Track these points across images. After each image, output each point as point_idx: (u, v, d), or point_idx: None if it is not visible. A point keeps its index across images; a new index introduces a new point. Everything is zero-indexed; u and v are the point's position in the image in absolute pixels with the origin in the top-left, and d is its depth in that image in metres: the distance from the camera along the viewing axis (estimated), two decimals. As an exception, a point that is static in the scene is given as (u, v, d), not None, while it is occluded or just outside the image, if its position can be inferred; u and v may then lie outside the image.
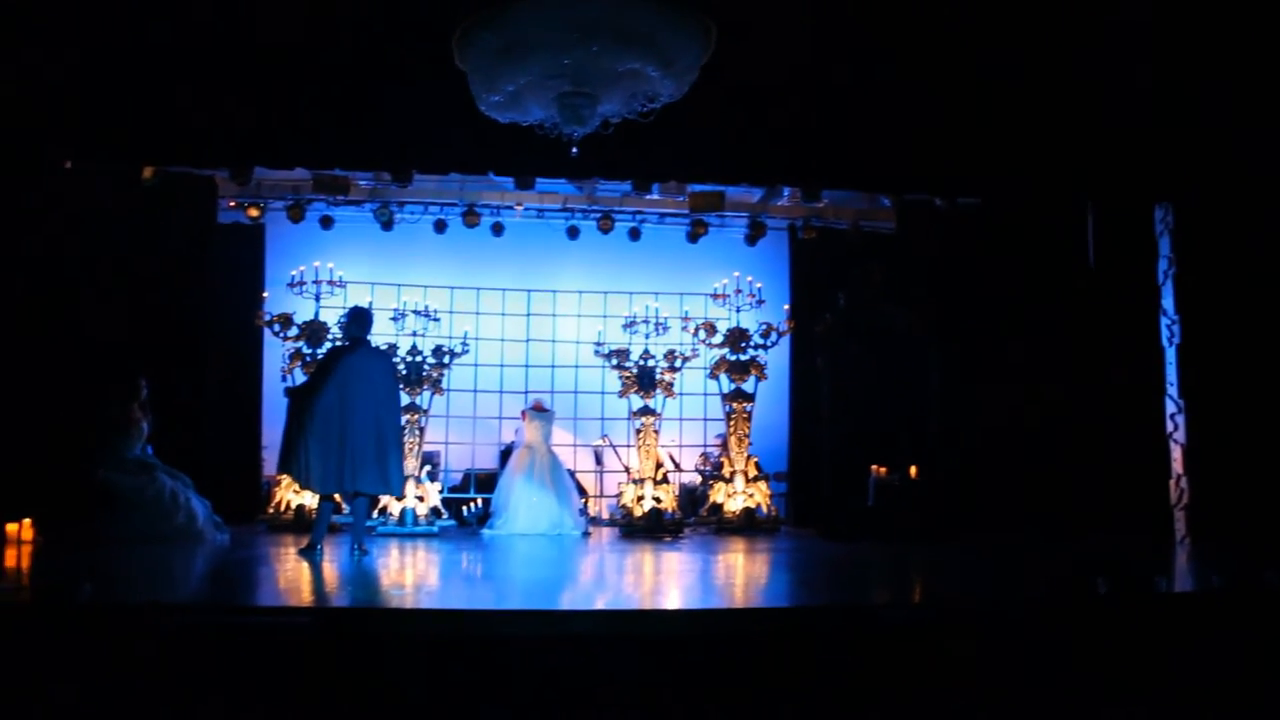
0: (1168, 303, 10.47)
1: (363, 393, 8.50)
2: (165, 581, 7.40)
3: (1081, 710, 5.39)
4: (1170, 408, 10.40)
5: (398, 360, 11.39)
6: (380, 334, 10.99)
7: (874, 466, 11.17)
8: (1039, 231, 11.60)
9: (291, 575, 7.37)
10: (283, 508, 11.35)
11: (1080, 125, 9.70)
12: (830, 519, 11.36)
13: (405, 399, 11.31)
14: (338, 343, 11.06)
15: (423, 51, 8.30)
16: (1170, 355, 10.43)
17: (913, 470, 11.11)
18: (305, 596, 6.43)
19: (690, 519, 12.40)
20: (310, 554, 8.34)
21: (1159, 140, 9.82)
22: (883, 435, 11.40)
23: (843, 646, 5.46)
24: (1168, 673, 5.54)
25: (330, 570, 7.60)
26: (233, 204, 12.60)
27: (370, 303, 12.02)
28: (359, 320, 8.99)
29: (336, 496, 9.08)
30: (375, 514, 10.96)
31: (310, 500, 11.00)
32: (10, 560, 7.93)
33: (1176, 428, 10.35)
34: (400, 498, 10.93)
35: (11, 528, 9.12)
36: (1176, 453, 10.36)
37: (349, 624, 5.54)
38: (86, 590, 6.01)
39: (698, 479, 13.58)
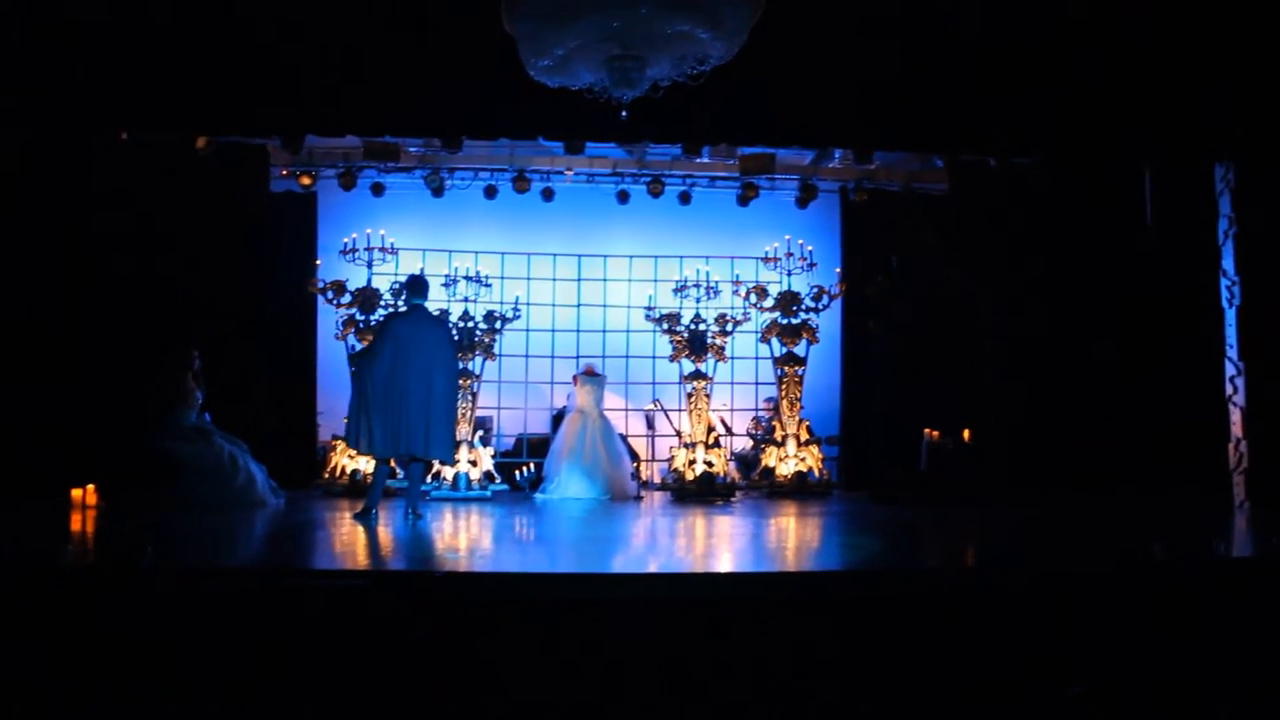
0: (1228, 263, 10.25)
1: (417, 358, 8.58)
2: (225, 546, 7.51)
3: (1136, 674, 5.35)
4: (1229, 370, 10.21)
5: (451, 326, 11.40)
6: (433, 300, 11.01)
7: (927, 429, 11.11)
8: (1095, 191, 11.43)
9: (347, 539, 7.46)
10: (338, 473, 11.47)
11: (1138, 81, 9.52)
12: (882, 482, 11.34)
13: (458, 364, 11.37)
14: (392, 309, 11.20)
15: (471, 17, 8.27)
16: (1230, 317, 10.22)
17: (966, 433, 11.04)
18: (361, 560, 6.50)
19: (742, 483, 12.39)
20: (365, 518, 8.45)
21: (1220, 96, 9.60)
22: (935, 398, 11.31)
23: (895, 610, 5.45)
24: (1224, 639, 5.48)
25: (385, 534, 7.68)
26: (285, 172, 12.70)
27: (422, 269, 12.13)
28: (415, 287, 9.11)
29: (392, 461, 9.15)
30: (428, 479, 11.06)
31: (365, 465, 11.15)
32: (76, 526, 8.07)
33: (1236, 390, 10.17)
34: (453, 464, 11.01)
35: (76, 494, 9.29)
36: (1235, 416, 10.17)
37: (405, 587, 5.61)
38: (149, 555, 6.13)
39: (749, 443, 13.56)
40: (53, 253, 10.07)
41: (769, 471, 12.16)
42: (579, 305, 13.99)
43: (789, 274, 12.55)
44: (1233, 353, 10.20)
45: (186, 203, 11.22)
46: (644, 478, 12.91)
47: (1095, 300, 11.34)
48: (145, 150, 10.67)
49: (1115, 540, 7.67)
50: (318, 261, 12.37)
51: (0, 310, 9.72)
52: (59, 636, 5.08)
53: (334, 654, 5.11)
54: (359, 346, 11.66)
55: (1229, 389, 10.26)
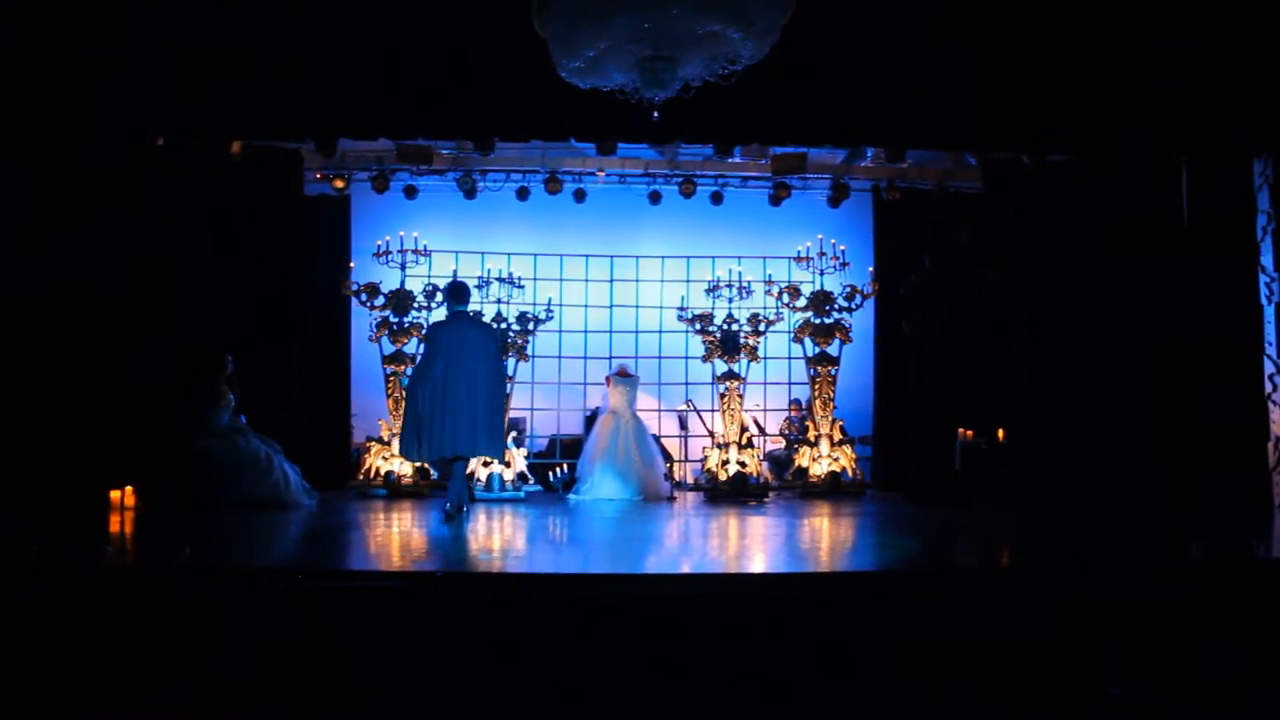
0: (1267, 260, 10.12)
1: (464, 364, 8.77)
2: (261, 546, 7.56)
3: (1176, 676, 5.30)
4: (1269, 368, 10.10)
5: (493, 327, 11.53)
6: (466, 302, 11.17)
7: (960, 429, 11.03)
8: (1130, 188, 11.32)
9: (381, 540, 7.49)
10: (372, 474, 11.54)
11: (1173, 76, 9.42)
12: (916, 482, 11.28)
13: (504, 365, 11.41)
14: (431, 312, 11.59)
15: (502, 19, 8.29)
16: (1269, 314, 10.09)
17: (1000, 433, 10.96)
18: (395, 561, 6.52)
19: (775, 483, 12.37)
20: (458, 516, 8.68)
21: (1258, 90, 9.48)
22: (969, 398, 11.23)
23: (930, 610, 5.43)
24: (1266, 641, 5.42)
25: (419, 536, 7.70)
26: (319, 176, 12.79)
27: (455, 271, 12.17)
28: (456, 294, 9.25)
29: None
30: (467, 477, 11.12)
31: (399, 467, 11.26)
32: (114, 526, 8.14)
33: (1275, 388, 10.06)
34: (503, 460, 11.12)
35: (115, 495, 9.38)
36: (1275, 414, 10.06)
37: (440, 588, 5.62)
38: (186, 555, 6.19)
39: (782, 443, 13.53)
40: (89, 258, 10.17)
41: (802, 472, 12.14)
42: (611, 306, 14.01)
43: (821, 274, 12.52)
44: (1272, 350, 10.08)
45: (220, 207, 11.31)
46: (677, 478, 12.91)
47: (1131, 298, 11.23)
48: (180, 155, 10.77)
49: (1154, 540, 7.60)
50: (351, 264, 12.45)
51: (39, 316, 9.86)
52: (100, 636, 5.13)
53: (367, 655, 5.13)
54: (393, 349, 11.75)
55: (1268, 387, 10.14)
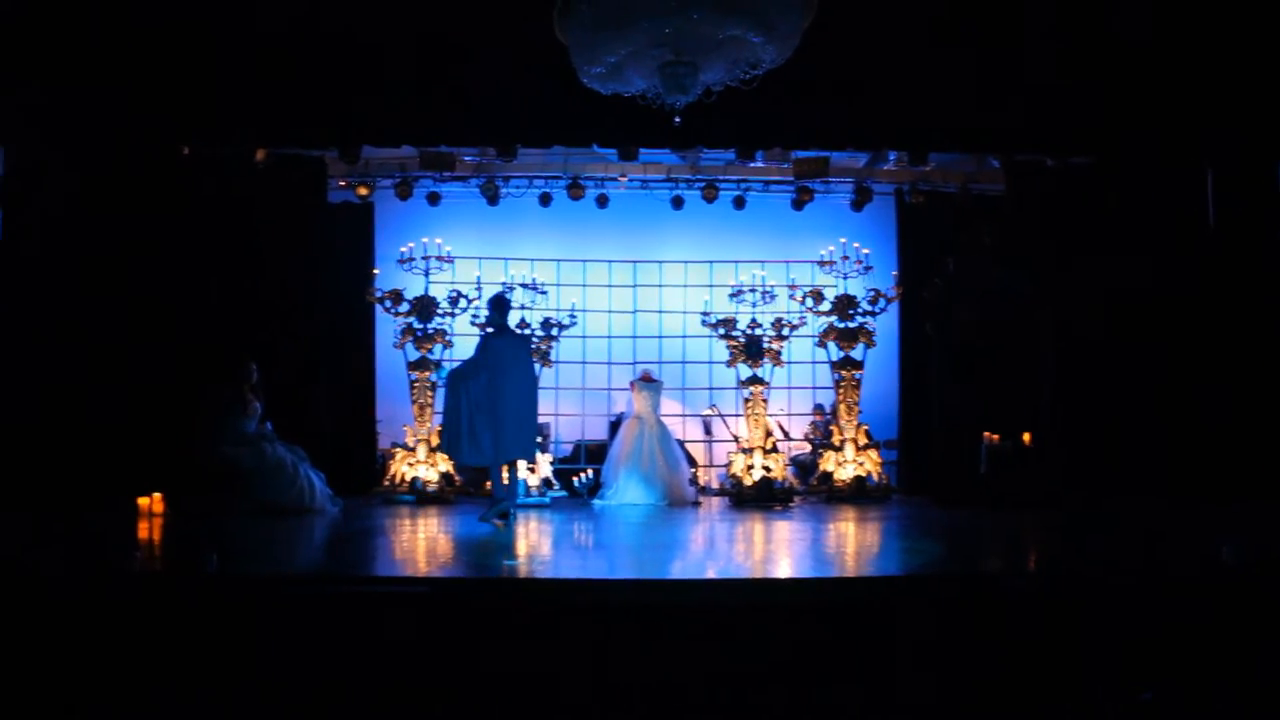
0: (1294, 260, 10.07)
1: (509, 372, 9.18)
2: (286, 553, 7.60)
3: (1207, 681, 5.26)
4: (1299, 370, 10.02)
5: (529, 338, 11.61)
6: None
7: (986, 433, 10.98)
8: (1155, 189, 11.22)
9: (407, 546, 7.52)
10: (398, 480, 11.57)
11: (1198, 79, 9.38)
12: (942, 486, 11.25)
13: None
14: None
15: (524, 26, 8.33)
16: (1299, 316, 10.04)
17: (1026, 436, 10.90)
18: (421, 567, 6.55)
19: (800, 488, 12.34)
20: (505, 521, 9.00)
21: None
22: (994, 401, 11.19)
23: (955, 615, 5.41)
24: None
25: (444, 541, 7.73)
26: (343, 183, 12.83)
27: (478, 277, 12.22)
28: (498, 307, 9.55)
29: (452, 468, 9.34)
30: (487, 485, 11.13)
31: (425, 473, 11.32)
32: (143, 533, 8.20)
33: (1306, 390, 9.98)
34: (532, 463, 11.20)
35: (143, 502, 9.46)
36: (1307, 417, 9.98)
37: (464, 593, 5.64)
38: (213, 561, 6.23)
39: (807, 448, 13.51)
40: (117, 268, 10.26)
41: (827, 476, 12.11)
42: (635, 311, 14.01)
43: (845, 277, 12.50)
44: (1302, 353, 10.00)
45: (245, 215, 11.36)
46: (702, 483, 12.89)
47: (1156, 302, 11.12)
48: (205, 164, 10.85)
49: (1183, 545, 7.54)
50: (375, 271, 12.50)
51: (68, 324, 9.94)
52: (128, 642, 5.17)
53: (392, 659, 5.15)
54: (417, 355, 11.78)
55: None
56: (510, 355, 9.29)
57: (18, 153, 9.52)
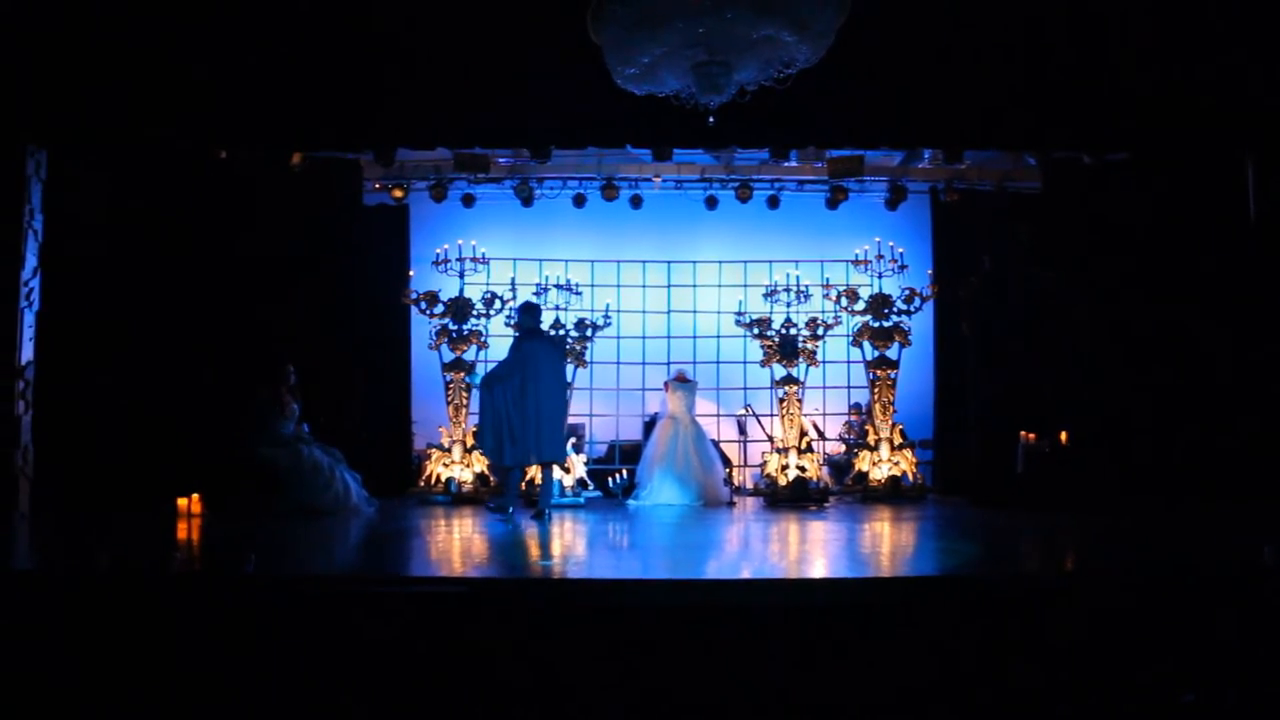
0: (1338, 256, 9.91)
1: (543, 376, 9.48)
2: (323, 553, 7.66)
3: (1250, 683, 5.22)
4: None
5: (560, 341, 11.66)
6: (523, 309, 11.28)
7: (1022, 432, 10.92)
8: (1193, 184, 11.10)
9: (443, 547, 7.57)
10: (433, 481, 11.64)
11: (1235, 70, 9.27)
12: (978, 486, 11.19)
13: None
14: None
15: (557, 27, 8.36)
16: (1344, 313, 9.89)
17: (1063, 435, 10.82)
18: (457, 567, 6.58)
19: (835, 488, 12.32)
20: (505, 517, 9.27)
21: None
22: (1031, 400, 11.12)
23: (992, 616, 5.39)
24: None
25: (480, 541, 7.77)
26: (378, 186, 12.94)
27: (513, 278, 12.28)
28: (529, 312, 9.87)
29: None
30: (522, 486, 11.19)
31: (460, 473, 11.40)
32: (182, 533, 8.30)
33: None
34: (564, 466, 11.29)
35: (182, 503, 9.57)
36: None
37: (502, 594, 5.67)
38: (252, 561, 6.29)
39: (842, 447, 13.48)
40: (155, 272, 10.39)
41: (862, 476, 12.09)
42: (669, 311, 14.03)
43: (880, 276, 12.48)
44: (1346, 350, 9.86)
45: (282, 218, 11.46)
46: (736, 483, 12.88)
47: (1196, 298, 10.99)
48: (241, 167, 10.96)
49: (1225, 545, 7.48)
50: (411, 272, 12.59)
51: (109, 329, 10.08)
52: (169, 640, 5.23)
53: (428, 659, 5.18)
54: (453, 356, 11.84)
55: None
56: (542, 358, 9.54)
57: (59, 159, 9.62)
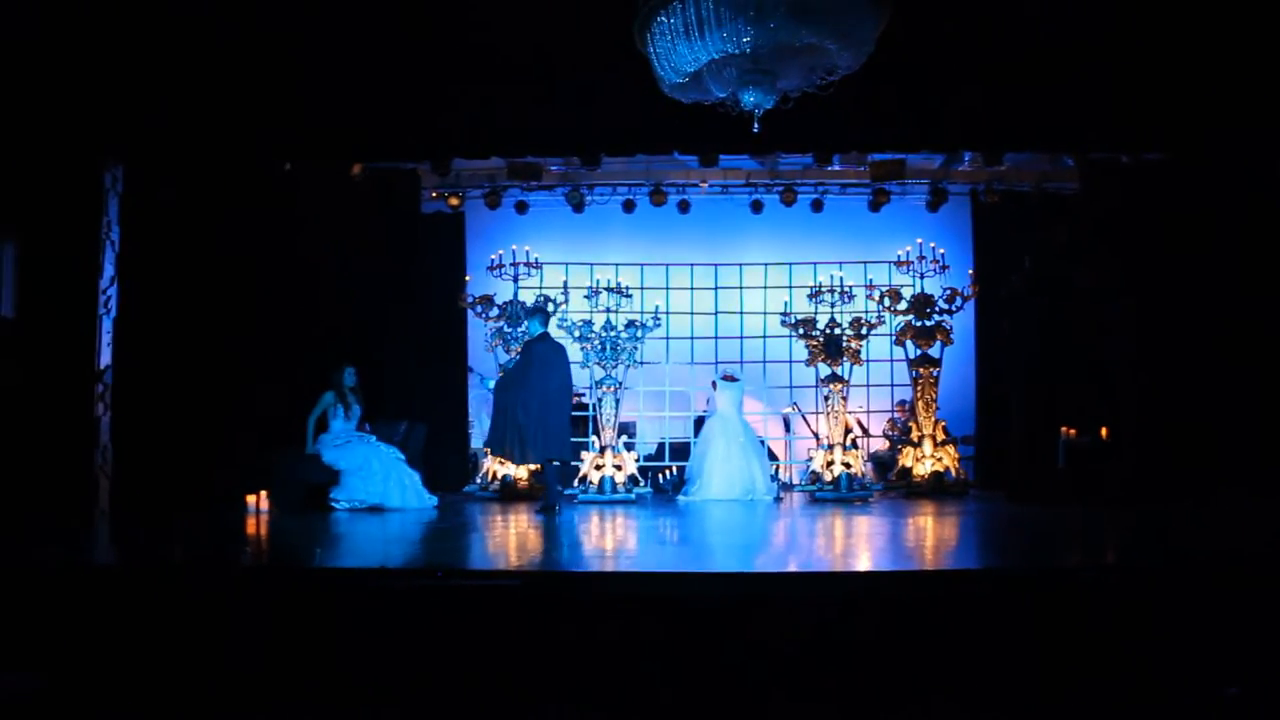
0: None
1: (549, 377, 9.64)
2: (384, 547, 7.88)
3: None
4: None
5: (593, 335, 11.97)
6: (576, 310, 11.67)
7: (1063, 428, 11.02)
8: (1231, 183, 11.13)
9: (499, 541, 7.77)
10: (490, 478, 11.95)
11: (1272, 70, 9.32)
12: (1020, 482, 11.27)
13: (600, 373, 11.90)
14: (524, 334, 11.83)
15: (606, 39, 8.56)
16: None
17: (1103, 431, 10.92)
18: (513, 560, 6.76)
19: (879, 484, 12.50)
20: (551, 515, 9.31)
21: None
22: (1072, 396, 11.21)
23: (1034, 609, 5.44)
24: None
25: (534, 536, 7.96)
26: (435, 194, 13.30)
27: (565, 282, 12.57)
28: (543, 314, 10.06)
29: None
30: (576, 483, 11.52)
31: (515, 471, 11.66)
32: (250, 529, 8.61)
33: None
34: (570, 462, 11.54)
35: (250, 499, 9.95)
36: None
37: (555, 586, 5.84)
38: (316, 555, 6.57)
39: (885, 444, 13.66)
40: (223, 280, 10.71)
41: (906, 472, 12.26)
42: (716, 313, 14.28)
43: (922, 277, 12.66)
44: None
45: (344, 226, 11.83)
46: (783, 479, 13.07)
47: (1236, 296, 11.02)
48: (305, 179, 11.34)
49: (1271, 538, 7.53)
50: (467, 277, 12.96)
51: (181, 334, 10.45)
52: (238, 631, 5.46)
53: (486, 651, 5.33)
54: (508, 358, 12.12)
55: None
56: (551, 360, 9.74)
57: (134, 172, 9.98)
